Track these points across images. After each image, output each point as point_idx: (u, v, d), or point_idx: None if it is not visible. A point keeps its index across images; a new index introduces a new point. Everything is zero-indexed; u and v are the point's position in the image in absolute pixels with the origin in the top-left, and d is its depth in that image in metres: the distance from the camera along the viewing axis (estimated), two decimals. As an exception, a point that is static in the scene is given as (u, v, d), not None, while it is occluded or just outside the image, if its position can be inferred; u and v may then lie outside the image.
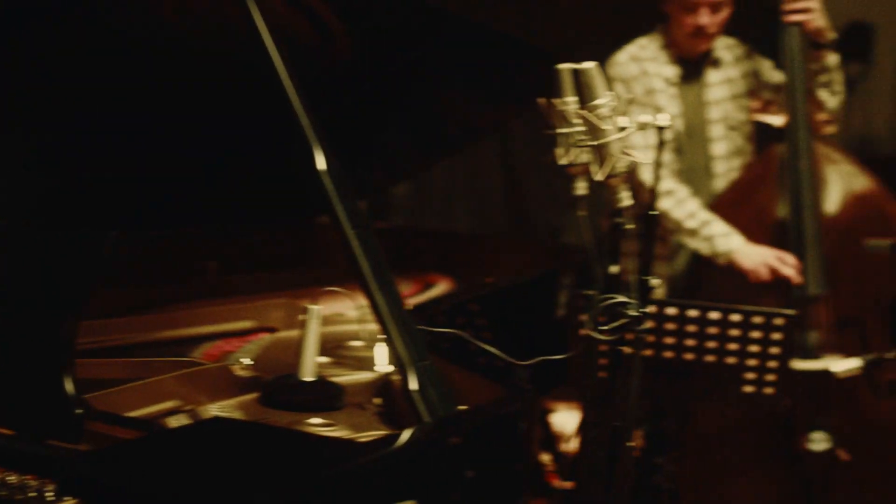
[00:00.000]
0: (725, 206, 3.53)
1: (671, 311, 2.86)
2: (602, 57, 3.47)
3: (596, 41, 3.64)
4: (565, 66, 2.34)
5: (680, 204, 3.49)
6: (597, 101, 2.26)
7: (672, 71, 3.59)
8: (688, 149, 3.59)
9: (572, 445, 3.10)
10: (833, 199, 3.49)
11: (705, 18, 3.48)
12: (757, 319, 2.84)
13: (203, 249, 2.99)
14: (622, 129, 2.27)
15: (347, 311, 2.61)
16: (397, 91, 2.80)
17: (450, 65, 2.70)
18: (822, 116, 3.55)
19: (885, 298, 3.46)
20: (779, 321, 2.83)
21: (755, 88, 3.67)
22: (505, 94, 2.97)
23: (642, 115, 2.31)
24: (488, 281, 2.99)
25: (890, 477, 3.43)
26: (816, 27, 3.46)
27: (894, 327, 3.44)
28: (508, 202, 5.54)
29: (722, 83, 3.63)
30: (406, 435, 1.73)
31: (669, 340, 2.88)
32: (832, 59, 3.51)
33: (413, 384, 1.84)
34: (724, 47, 3.65)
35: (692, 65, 3.62)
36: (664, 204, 3.46)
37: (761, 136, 3.71)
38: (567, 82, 2.34)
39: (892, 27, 7.53)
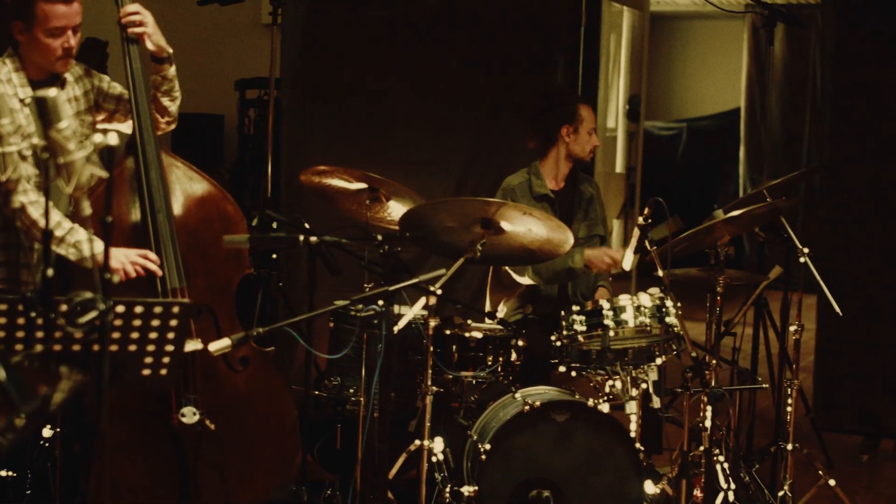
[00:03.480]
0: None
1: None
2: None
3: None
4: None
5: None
6: (61, 125, 2.76)
7: (26, 92, 4.02)
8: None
9: None
10: (180, 203, 4.20)
11: (72, 41, 3.99)
12: (157, 310, 3.45)
13: None
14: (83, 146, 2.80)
15: None
16: None
17: None
18: (165, 118, 4.27)
19: (231, 287, 4.28)
20: (176, 310, 3.48)
21: (98, 103, 4.26)
22: None
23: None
24: None
25: (248, 438, 4.26)
26: (156, 44, 4.16)
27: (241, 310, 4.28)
28: None
29: (68, 102, 4.15)
30: None
31: (78, 334, 3.38)
32: (171, 70, 4.23)
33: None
34: None
35: (42, 85, 4.07)
36: (33, 214, 3.91)
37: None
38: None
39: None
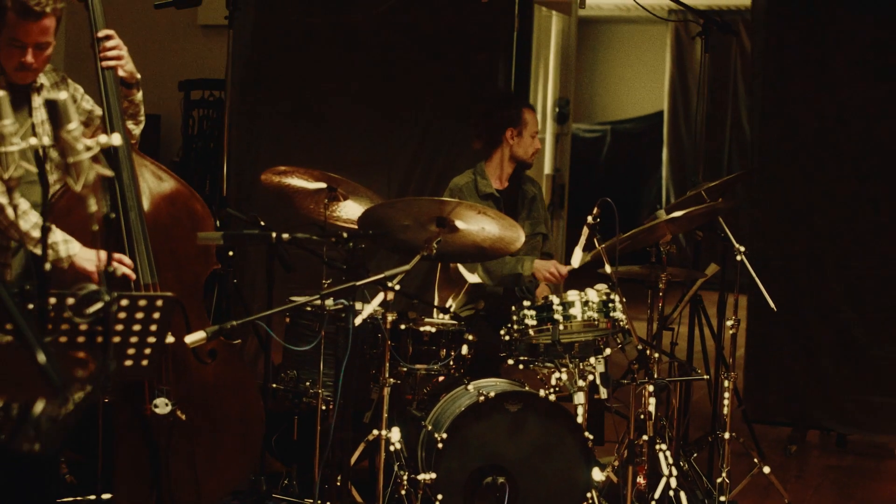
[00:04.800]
0: (58, 213, 4.19)
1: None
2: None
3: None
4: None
5: (24, 216, 4.07)
6: (70, 126, 2.95)
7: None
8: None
9: None
10: (150, 201, 4.39)
11: (30, 57, 4.09)
12: (142, 302, 3.64)
13: None
14: (89, 148, 2.99)
15: None
16: None
17: None
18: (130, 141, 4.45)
19: (200, 282, 4.48)
20: (160, 303, 3.67)
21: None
22: None
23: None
24: None
25: (217, 428, 4.46)
26: (128, 72, 4.34)
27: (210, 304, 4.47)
28: None
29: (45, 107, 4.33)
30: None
31: (65, 326, 3.57)
32: (138, 95, 4.42)
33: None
34: (43, 73, 4.32)
35: (20, 90, 4.21)
36: (11, 215, 4.07)
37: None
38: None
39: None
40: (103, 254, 4.10)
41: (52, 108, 2.91)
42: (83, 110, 4.43)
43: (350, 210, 5.13)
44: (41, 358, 2.32)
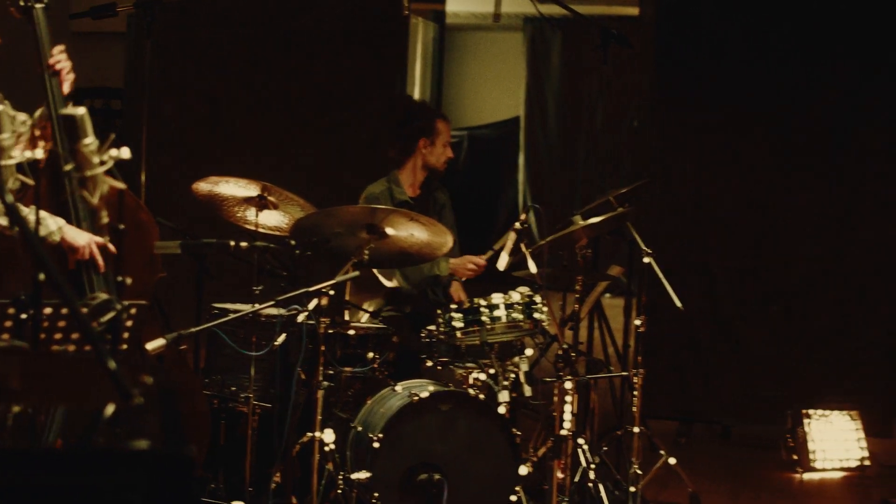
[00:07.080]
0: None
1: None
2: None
3: None
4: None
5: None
6: (87, 140, 3.12)
7: None
8: None
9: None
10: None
11: None
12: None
13: None
14: (103, 162, 3.15)
15: None
16: None
17: None
18: None
19: (149, 290, 4.62)
20: (133, 311, 3.81)
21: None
22: None
23: None
24: None
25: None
26: (71, 84, 4.48)
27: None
28: None
29: None
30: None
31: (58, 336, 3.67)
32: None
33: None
34: None
35: None
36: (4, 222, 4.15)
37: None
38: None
39: None
40: (86, 234, 4.22)
41: (70, 122, 3.06)
42: (19, 122, 4.52)
43: (272, 218, 5.28)
44: (112, 365, 2.49)
